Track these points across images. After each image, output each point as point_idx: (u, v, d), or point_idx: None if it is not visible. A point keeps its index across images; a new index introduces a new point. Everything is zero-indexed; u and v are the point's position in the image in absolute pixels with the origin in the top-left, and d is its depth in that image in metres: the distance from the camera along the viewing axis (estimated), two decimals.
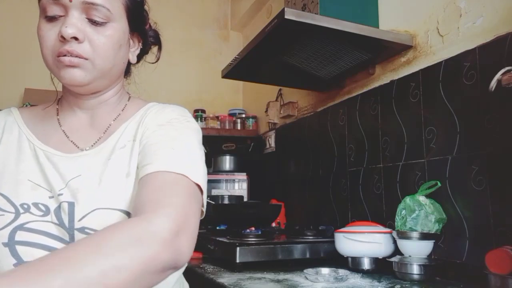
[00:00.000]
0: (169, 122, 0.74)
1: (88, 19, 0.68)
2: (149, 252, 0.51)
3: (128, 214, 0.67)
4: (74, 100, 0.77)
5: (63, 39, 0.66)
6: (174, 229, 0.55)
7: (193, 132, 0.74)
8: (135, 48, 0.80)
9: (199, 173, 0.67)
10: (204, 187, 0.68)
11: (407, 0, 1.37)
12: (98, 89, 0.75)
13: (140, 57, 0.84)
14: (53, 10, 0.67)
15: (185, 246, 0.57)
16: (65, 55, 0.66)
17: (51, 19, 0.67)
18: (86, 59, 0.68)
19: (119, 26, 0.71)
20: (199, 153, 0.72)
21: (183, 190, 0.63)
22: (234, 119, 2.56)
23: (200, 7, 2.87)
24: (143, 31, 0.81)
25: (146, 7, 0.81)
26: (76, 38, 0.66)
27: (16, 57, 2.35)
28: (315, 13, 1.32)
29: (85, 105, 0.77)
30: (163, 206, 0.57)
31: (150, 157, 0.67)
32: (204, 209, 0.69)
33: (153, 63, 0.88)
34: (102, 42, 0.69)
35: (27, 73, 2.32)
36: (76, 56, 0.66)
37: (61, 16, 0.67)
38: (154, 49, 0.88)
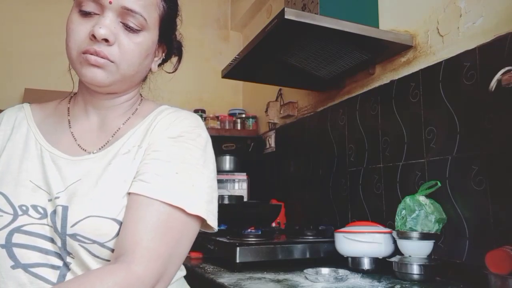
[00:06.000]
0: (180, 136, 0.72)
1: (122, 23, 0.67)
2: None
3: (120, 223, 0.65)
4: (89, 98, 0.76)
5: (93, 38, 0.65)
6: (154, 282, 0.60)
7: (202, 152, 0.72)
8: (159, 58, 0.80)
9: (200, 202, 0.67)
10: (204, 214, 0.68)
11: (407, 0, 1.37)
12: (115, 91, 0.74)
13: (159, 65, 0.83)
14: (90, 7, 0.66)
15: None
16: (91, 54, 0.65)
17: (86, 14, 0.67)
18: (112, 61, 0.67)
19: (150, 36, 0.71)
20: (204, 177, 0.71)
21: (174, 233, 0.64)
22: (234, 119, 2.56)
23: (200, 7, 2.87)
24: (170, 42, 0.81)
25: (178, 19, 0.80)
26: (106, 40, 0.65)
27: (16, 57, 2.35)
28: (315, 13, 1.32)
29: (99, 104, 0.76)
30: (150, 255, 0.60)
31: (151, 176, 0.66)
32: (216, 227, 0.73)
33: (170, 72, 0.86)
34: (131, 48, 0.68)
35: (27, 73, 2.32)
36: (102, 57, 0.66)
37: (96, 14, 0.66)
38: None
